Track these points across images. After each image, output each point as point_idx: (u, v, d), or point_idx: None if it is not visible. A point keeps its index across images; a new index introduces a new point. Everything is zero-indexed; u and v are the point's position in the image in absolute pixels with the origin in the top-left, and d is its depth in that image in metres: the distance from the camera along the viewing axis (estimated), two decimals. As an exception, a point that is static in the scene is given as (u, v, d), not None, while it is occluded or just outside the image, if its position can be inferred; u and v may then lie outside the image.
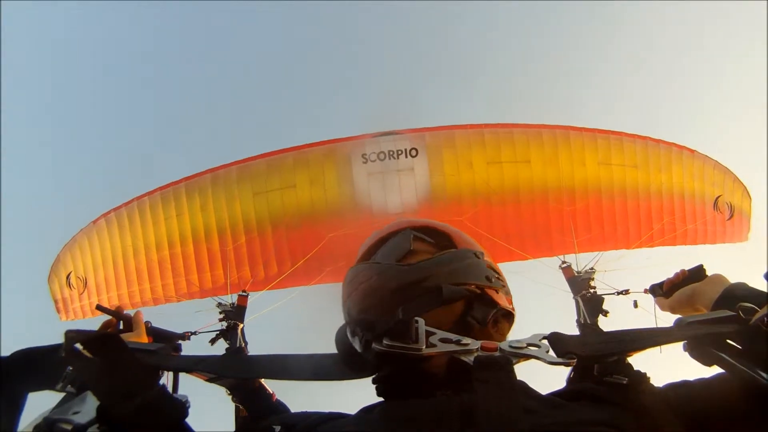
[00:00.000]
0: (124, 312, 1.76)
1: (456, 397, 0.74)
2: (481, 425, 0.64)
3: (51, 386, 0.83)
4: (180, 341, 1.98)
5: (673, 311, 1.49)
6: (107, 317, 1.81)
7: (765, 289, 1.05)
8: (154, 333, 1.85)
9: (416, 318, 0.81)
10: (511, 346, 0.80)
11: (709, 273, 1.45)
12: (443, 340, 0.80)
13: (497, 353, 0.78)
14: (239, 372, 1.07)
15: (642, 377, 0.83)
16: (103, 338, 0.78)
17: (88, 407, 0.76)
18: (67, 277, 6.14)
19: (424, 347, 0.78)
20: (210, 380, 1.15)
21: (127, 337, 1.60)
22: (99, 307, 1.97)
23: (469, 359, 0.77)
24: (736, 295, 1.15)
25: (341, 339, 0.90)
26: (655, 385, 0.83)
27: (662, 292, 1.57)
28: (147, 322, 1.75)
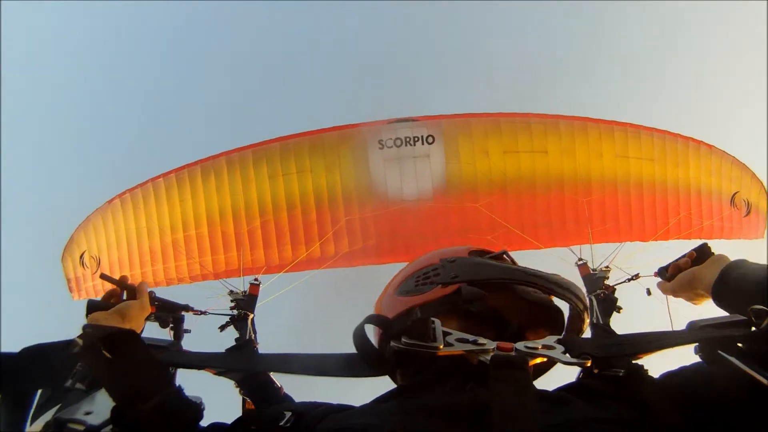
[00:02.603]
0: (129, 282, 1.75)
1: (468, 393, 0.75)
2: (497, 422, 0.64)
3: (61, 383, 0.80)
4: (183, 312, 1.98)
5: (675, 295, 1.45)
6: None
7: (764, 263, 1.07)
8: (158, 302, 1.86)
9: (433, 318, 0.84)
10: (526, 347, 0.83)
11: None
12: (460, 340, 0.83)
13: (513, 353, 0.80)
14: (254, 366, 1.06)
15: (638, 369, 0.84)
16: (122, 335, 0.77)
17: (100, 407, 0.74)
18: (81, 256, 6.18)
19: (441, 346, 0.81)
20: (219, 373, 1.15)
21: (131, 306, 1.61)
22: (103, 276, 1.92)
23: (486, 359, 0.79)
24: (732, 278, 1.13)
25: (359, 336, 0.92)
26: (653, 375, 0.84)
27: (667, 275, 1.50)
28: (151, 292, 1.75)
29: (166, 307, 1.93)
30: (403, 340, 0.81)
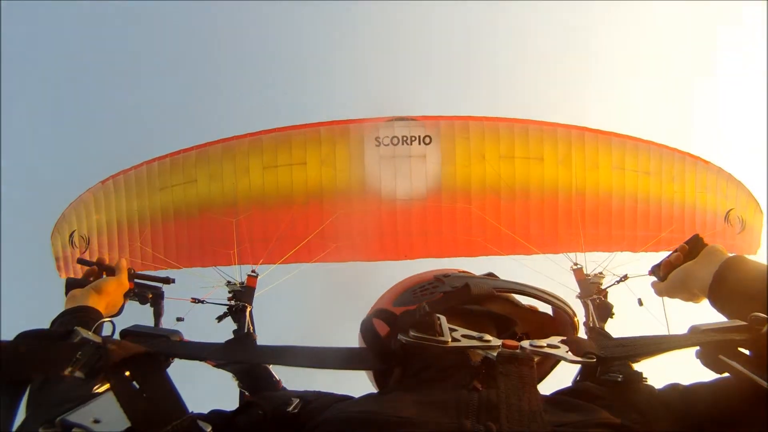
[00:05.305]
0: (106, 262, 1.76)
1: (473, 391, 0.75)
2: (504, 415, 0.65)
3: (59, 372, 0.76)
4: (163, 284, 1.94)
5: (670, 296, 1.41)
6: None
7: (764, 263, 1.06)
8: (137, 278, 1.84)
9: (438, 315, 0.85)
10: (531, 345, 0.83)
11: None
12: (466, 336, 0.85)
13: (518, 351, 0.81)
14: (255, 358, 1.08)
15: (637, 376, 0.84)
16: (147, 357, 0.77)
17: (108, 417, 0.70)
18: (71, 235, 6.14)
19: (449, 340, 0.82)
20: (218, 365, 1.14)
21: (107, 281, 1.63)
22: (80, 261, 1.97)
23: (492, 355, 0.80)
24: (729, 284, 1.11)
25: (368, 328, 0.93)
26: (654, 385, 0.84)
27: (661, 275, 1.43)
28: (129, 269, 1.77)
29: (145, 283, 1.89)
30: (411, 333, 0.82)
